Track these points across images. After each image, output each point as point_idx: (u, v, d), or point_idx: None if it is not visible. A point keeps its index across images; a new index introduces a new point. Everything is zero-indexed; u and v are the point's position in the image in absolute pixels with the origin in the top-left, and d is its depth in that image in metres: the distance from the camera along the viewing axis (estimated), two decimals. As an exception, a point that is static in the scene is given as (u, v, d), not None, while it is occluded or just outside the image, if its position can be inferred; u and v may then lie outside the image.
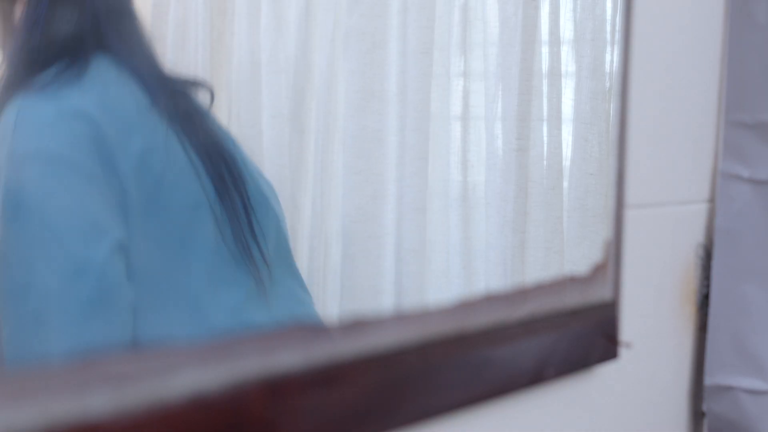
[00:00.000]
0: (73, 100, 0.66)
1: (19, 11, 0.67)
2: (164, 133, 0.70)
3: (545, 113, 0.92)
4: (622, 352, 0.89)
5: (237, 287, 0.72)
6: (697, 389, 1.06)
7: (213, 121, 0.76)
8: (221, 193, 0.72)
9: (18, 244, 0.63)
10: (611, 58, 0.92)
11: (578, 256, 0.92)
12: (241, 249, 0.72)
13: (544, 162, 0.92)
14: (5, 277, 0.63)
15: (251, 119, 0.82)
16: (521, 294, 0.80)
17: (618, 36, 0.90)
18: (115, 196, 0.66)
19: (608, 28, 0.92)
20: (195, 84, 0.76)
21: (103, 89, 0.68)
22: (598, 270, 0.87)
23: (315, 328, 0.63)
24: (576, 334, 0.83)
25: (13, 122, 0.64)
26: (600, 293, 0.87)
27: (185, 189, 0.71)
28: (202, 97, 0.76)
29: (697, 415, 1.07)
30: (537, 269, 0.92)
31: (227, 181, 0.73)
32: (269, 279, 0.75)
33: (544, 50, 0.91)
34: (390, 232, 0.85)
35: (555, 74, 0.92)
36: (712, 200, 1.06)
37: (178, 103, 0.73)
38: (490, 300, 0.76)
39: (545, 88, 0.92)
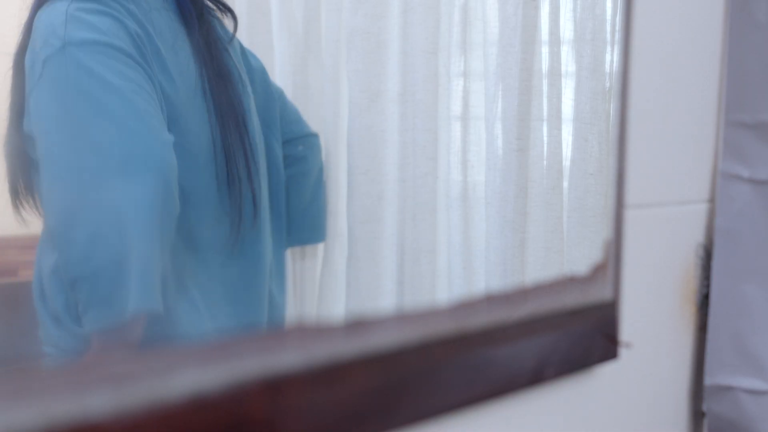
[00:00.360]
0: (121, 16, 0.67)
1: None
2: (194, 77, 0.71)
3: (545, 113, 0.92)
4: (622, 352, 0.89)
5: (211, 241, 0.74)
6: (697, 389, 1.06)
7: (235, 55, 0.77)
8: (226, 147, 0.73)
9: (86, 109, 0.65)
10: (611, 58, 0.92)
11: (578, 256, 0.92)
12: (231, 204, 0.74)
13: (544, 162, 0.92)
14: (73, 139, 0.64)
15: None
16: (521, 294, 0.80)
17: (618, 36, 0.90)
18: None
19: (608, 28, 0.92)
20: (225, 9, 0.77)
21: (146, 15, 0.69)
22: (598, 270, 0.87)
23: (314, 327, 0.63)
24: (576, 334, 0.83)
25: (63, 18, 0.64)
26: (600, 293, 0.87)
27: (196, 135, 0.72)
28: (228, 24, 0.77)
29: (697, 415, 1.07)
30: (537, 269, 0.92)
31: (233, 135, 0.74)
32: (245, 234, 0.76)
33: (544, 50, 0.91)
34: (394, 233, 0.85)
35: (555, 74, 0.92)
36: (712, 200, 1.06)
37: (208, 36, 0.74)
38: (490, 300, 0.76)
39: (545, 88, 0.92)
